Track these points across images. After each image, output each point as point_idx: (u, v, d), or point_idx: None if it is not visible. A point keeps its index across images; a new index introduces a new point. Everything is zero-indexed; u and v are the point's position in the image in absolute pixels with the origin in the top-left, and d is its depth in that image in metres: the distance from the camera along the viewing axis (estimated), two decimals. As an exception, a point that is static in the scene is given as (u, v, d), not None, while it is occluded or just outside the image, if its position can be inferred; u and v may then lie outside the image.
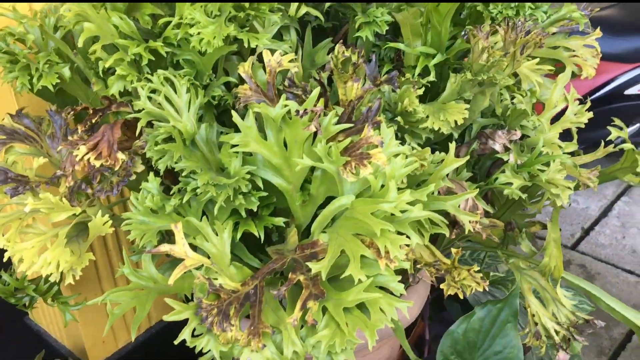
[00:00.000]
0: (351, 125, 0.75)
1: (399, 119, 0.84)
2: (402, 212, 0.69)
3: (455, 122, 0.82)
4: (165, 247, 0.65)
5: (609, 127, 1.01)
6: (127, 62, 0.84)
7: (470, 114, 0.95)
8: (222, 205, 0.80)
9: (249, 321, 0.66)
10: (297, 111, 0.73)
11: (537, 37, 0.86)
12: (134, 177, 0.85)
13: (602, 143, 1.03)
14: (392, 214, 0.67)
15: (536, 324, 1.16)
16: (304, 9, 0.97)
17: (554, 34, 1.25)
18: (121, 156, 0.83)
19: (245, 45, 0.85)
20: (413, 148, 0.84)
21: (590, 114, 1.03)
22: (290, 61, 0.80)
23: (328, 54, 1.06)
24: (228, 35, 0.84)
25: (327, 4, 1.01)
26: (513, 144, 0.98)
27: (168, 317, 0.64)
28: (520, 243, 1.22)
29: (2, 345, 1.38)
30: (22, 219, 0.82)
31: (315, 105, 0.81)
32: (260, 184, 0.81)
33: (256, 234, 0.82)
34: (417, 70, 0.91)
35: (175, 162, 0.79)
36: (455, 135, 0.92)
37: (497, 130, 0.95)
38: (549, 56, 1.24)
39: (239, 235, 0.83)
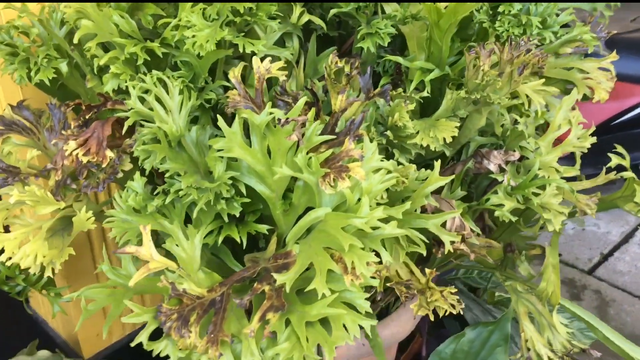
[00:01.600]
0: (333, 137, 0.74)
1: (388, 133, 0.83)
2: (375, 228, 0.68)
3: (446, 139, 0.81)
4: (131, 249, 0.65)
5: (609, 154, 0.99)
6: (121, 61, 0.85)
7: (466, 132, 0.94)
8: (204, 208, 0.80)
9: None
10: (279, 120, 0.72)
11: (534, 58, 0.84)
12: (120, 175, 0.85)
13: (604, 170, 1.00)
14: (365, 230, 0.66)
15: (529, 349, 1.14)
16: (306, 17, 0.97)
17: (569, 54, 1.22)
18: (109, 154, 0.83)
19: (241, 50, 0.86)
20: (399, 163, 0.83)
21: (594, 139, 1.01)
22: (281, 69, 0.80)
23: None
24: (223, 39, 0.84)
25: (333, 12, 1.00)
26: (510, 165, 0.96)
27: (126, 319, 0.64)
28: (518, 265, 1.20)
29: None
30: (9, 209, 0.84)
31: (304, 115, 0.80)
32: (244, 190, 0.81)
33: (238, 239, 0.82)
34: (413, 85, 0.89)
35: (160, 163, 0.80)
36: (448, 153, 0.90)
37: (493, 150, 0.94)
38: (562, 77, 1.21)
39: (220, 239, 0.83)
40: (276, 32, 0.98)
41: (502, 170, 0.94)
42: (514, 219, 0.89)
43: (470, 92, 0.83)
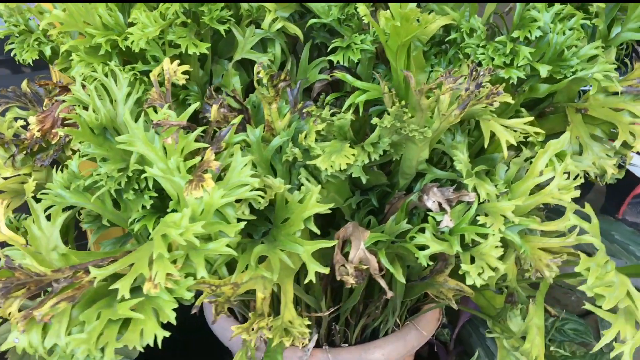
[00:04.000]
0: (207, 145, 0.75)
1: (296, 150, 0.80)
2: (207, 241, 0.68)
3: (341, 166, 0.76)
4: (-20, 221, 0.72)
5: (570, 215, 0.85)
6: (83, 50, 0.92)
7: (407, 163, 0.88)
8: (129, 197, 0.85)
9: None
10: (156, 123, 0.74)
11: (466, 94, 0.76)
12: (70, 153, 0.93)
13: (576, 230, 0.86)
14: (179, 242, 0.66)
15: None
16: (280, 24, 0.97)
17: (621, 93, 1.08)
18: (60, 132, 0.92)
19: (183, 50, 0.88)
20: (303, 184, 0.80)
21: (577, 192, 0.87)
22: (184, 72, 0.81)
23: (321, 72, 1.04)
24: (167, 39, 0.88)
25: (311, 22, 0.98)
26: (462, 205, 0.88)
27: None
28: (510, 319, 1.08)
29: None
30: (-19, 171, 0.96)
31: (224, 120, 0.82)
32: (151, 185, 0.84)
33: (150, 229, 0.86)
34: (345, 105, 0.85)
35: (86, 148, 0.86)
36: (385, 182, 0.85)
37: (433, 186, 0.86)
38: (607, 119, 1.07)
39: (136, 228, 0.87)
40: (255, 36, 0.99)
41: (442, 209, 0.86)
42: (430, 263, 0.81)
43: (393, 121, 0.78)
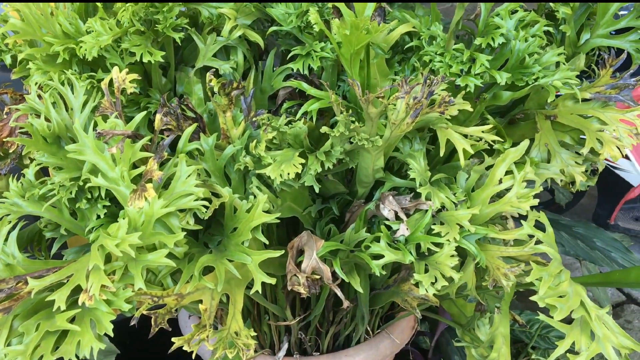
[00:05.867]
0: (151, 154, 0.74)
1: (247, 159, 0.80)
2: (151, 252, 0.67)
3: (290, 174, 0.76)
4: None
5: (522, 223, 0.84)
6: (41, 58, 0.92)
7: (363, 172, 0.87)
8: (83, 205, 0.85)
9: None
10: (98, 132, 0.74)
11: (414, 103, 0.75)
12: (28, 162, 0.93)
13: (534, 239, 0.85)
14: (115, 252, 0.65)
15: None
16: (240, 31, 0.96)
17: (589, 100, 1.07)
18: (18, 142, 0.91)
19: (137, 59, 0.88)
20: (255, 194, 0.79)
21: (536, 201, 0.86)
22: (132, 81, 0.81)
23: (285, 79, 1.03)
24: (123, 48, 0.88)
25: (272, 30, 0.98)
26: (420, 213, 0.87)
27: None
28: (479, 328, 1.07)
29: None
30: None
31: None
32: (103, 193, 0.83)
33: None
34: (300, 113, 0.85)
35: (42, 157, 0.86)
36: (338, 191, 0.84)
37: (389, 195, 0.85)
38: (575, 125, 1.06)
39: (92, 237, 0.86)
40: (216, 44, 0.99)
41: (398, 218, 0.85)
42: (383, 272, 0.80)
43: (342, 131, 0.77)
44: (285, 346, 1.15)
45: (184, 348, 0.68)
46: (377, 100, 0.74)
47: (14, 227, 0.85)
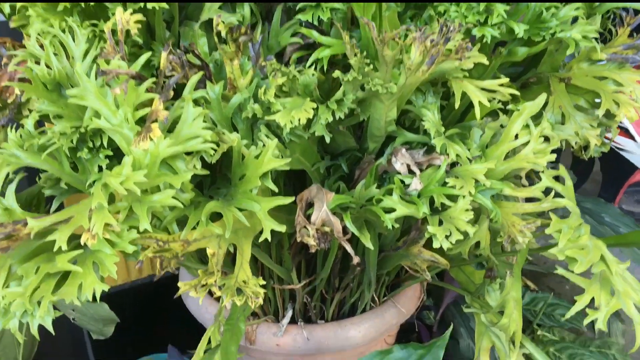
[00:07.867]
0: (155, 95, 0.71)
1: (255, 107, 0.77)
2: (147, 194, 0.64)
3: (301, 120, 0.73)
4: None
5: (541, 175, 0.81)
6: (41, 5, 0.88)
7: (375, 124, 0.84)
8: (84, 156, 0.82)
9: None
10: (102, 71, 0.71)
11: (431, 46, 0.72)
12: (27, 113, 0.90)
13: (551, 194, 0.82)
14: (120, 191, 0.62)
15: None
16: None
17: (605, 61, 1.04)
18: (17, 91, 0.88)
19: (142, 5, 0.85)
20: (261, 141, 0.76)
21: (553, 156, 0.84)
22: (137, 22, 0.77)
23: (293, 35, 1.00)
24: None
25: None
26: (433, 168, 0.84)
27: None
28: (489, 293, 1.04)
29: None
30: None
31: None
32: (105, 142, 0.80)
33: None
34: (310, 61, 0.82)
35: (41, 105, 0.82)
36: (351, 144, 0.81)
37: (402, 148, 0.82)
38: (590, 87, 1.03)
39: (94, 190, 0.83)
40: (220, -4, 0.95)
41: (411, 172, 0.82)
42: (396, 225, 0.77)
43: (356, 75, 0.74)
44: (290, 313, 1.13)
45: (191, 294, 0.65)
46: (393, 42, 0.71)
47: (12, 181, 0.83)
